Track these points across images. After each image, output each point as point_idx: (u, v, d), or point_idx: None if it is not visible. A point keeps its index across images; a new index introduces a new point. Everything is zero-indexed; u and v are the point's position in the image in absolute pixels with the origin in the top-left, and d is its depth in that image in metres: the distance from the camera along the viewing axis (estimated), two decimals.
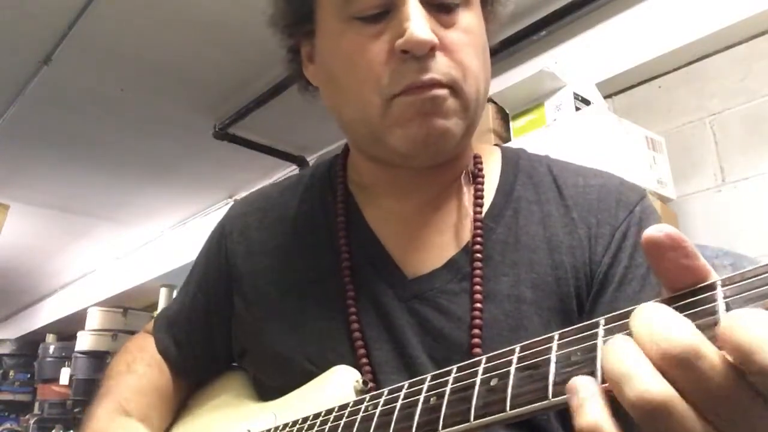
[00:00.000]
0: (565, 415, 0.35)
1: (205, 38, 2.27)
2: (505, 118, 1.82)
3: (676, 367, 0.28)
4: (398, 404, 0.43)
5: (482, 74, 0.62)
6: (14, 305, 6.86)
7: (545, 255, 0.62)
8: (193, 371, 0.79)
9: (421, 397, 0.41)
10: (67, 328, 5.82)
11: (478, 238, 0.62)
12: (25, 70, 2.45)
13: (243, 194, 3.10)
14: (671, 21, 1.79)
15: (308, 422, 0.54)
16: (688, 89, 1.82)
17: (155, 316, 0.86)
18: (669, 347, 0.28)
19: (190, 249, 3.76)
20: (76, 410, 4.95)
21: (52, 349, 5.56)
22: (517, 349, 0.37)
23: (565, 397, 0.32)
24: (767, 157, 1.63)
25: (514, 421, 0.35)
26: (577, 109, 1.65)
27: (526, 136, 1.70)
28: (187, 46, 2.32)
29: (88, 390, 4.59)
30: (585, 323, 0.35)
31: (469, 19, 0.61)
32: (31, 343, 6.31)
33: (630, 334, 0.30)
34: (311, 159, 3.24)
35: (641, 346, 0.29)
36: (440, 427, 0.38)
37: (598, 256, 0.61)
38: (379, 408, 0.45)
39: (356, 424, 0.46)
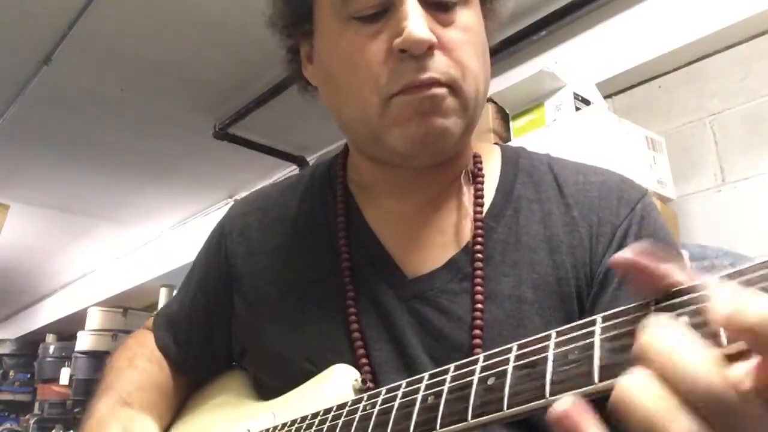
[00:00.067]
0: None
1: (205, 38, 2.27)
2: (505, 118, 1.82)
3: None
4: (396, 403, 0.43)
5: (481, 73, 0.62)
6: (14, 305, 6.86)
7: (546, 255, 0.62)
8: (193, 370, 0.79)
9: (419, 396, 0.41)
10: (67, 328, 5.82)
11: (479, 238, 0.62)
12: (25, 70, 2.45)
13: (243, 194, 3.10)
14: (671, 21, 1.79)
15: (307, 421, 0.54)
16: (688, 89, 1.82)
17: (155, 313, 0.86)
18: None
19: (190, 249, 3.76)
20: (76, 410, 4.95)
21: (52, 349, 5.57)
22: (515, 348, 0.37)
23: (562, 395, 0.31)
24: (767, 157, 1.63)
25: (512, 420, 0.35)
26: (577, 109, 1.65)
27: (526, 136, 1.70)
28: (187, 46, 2.32)
29: (88, 390, 4.59)
30: (582, 321, 0.35)
31: (468, 17, 0.61)
32: (31, 343, 6.31)
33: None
34: (311, 159, 3.24)
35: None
36: (438, 426, 0.38)
37: (598, 256, 0.61)
38: (377, 407, 0.45)
39: (354, 423, 0.46)
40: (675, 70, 1.85)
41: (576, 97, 1.66)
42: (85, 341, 4.92)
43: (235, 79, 2.57)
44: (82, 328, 5.00)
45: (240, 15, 2.10)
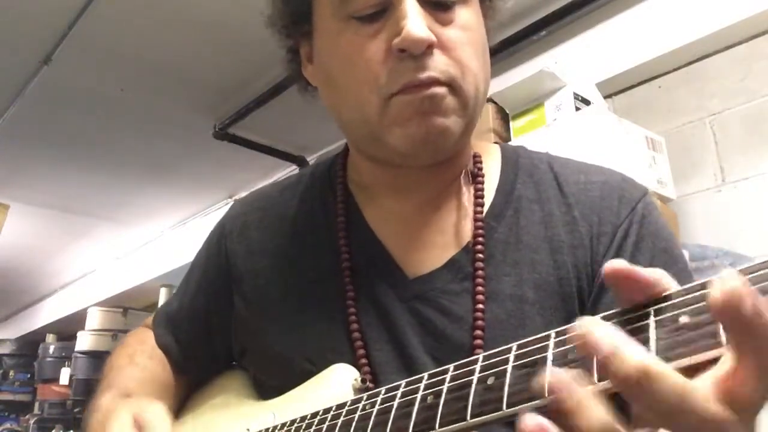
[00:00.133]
0: None
1: (205, 38, 2.27)
2: (505, 118, 1.82)
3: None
4: (395, 403, 0.43)
5: (481, 72, 0.62)
6: (14, 305, 6.86)
7: (547, 255, 0.61)
8: (194, 370, 0.79)
9: (418, 396, 0.41)
10: (67, 328, 5.82)
11: (480, 238, 0.62)
12: (25, 70, 2.45)
13: (243, 194, 3.09)
14: (671, 21, 1.79)
15: (306, 421, 0.54)
16: (688, 89, 1.82)
17: (154, 312, 0.85)
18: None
19: (190, 249, 3.75)
20: (76, 410, 4.96)
21: (52, 349, 5.57)
22: (514, 348, 0.37)
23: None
24: (767, 157, 1.63)
25: (511, 420, 0.35)
26: (577, 109, 1.65)
27: (526, 136, 1.70)
28: (187, 46, 2.32)
29: (88, 390, 4.59)
30: None
31: (467, 15, 0.61)
32: (31, 343, 6.31)
33: None
34: (311, 159, 3.24)
35: None
36: (437, 426, 0.38)
37: (599, 256, 0.61)
38: (377, 407, 0.45)
39: (354, 422, 0.46)
40: (675, 70, 1.85)
41: (576, 97, 1.66)
42: (85, 341, 4.92)
43: (235, 79, 2.57)
44: (82, 328, 5.00)
45: (240, 15, 2.10)
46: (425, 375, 0.43)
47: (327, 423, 0.50)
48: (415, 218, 0.67)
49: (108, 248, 4.88)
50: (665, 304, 0.31)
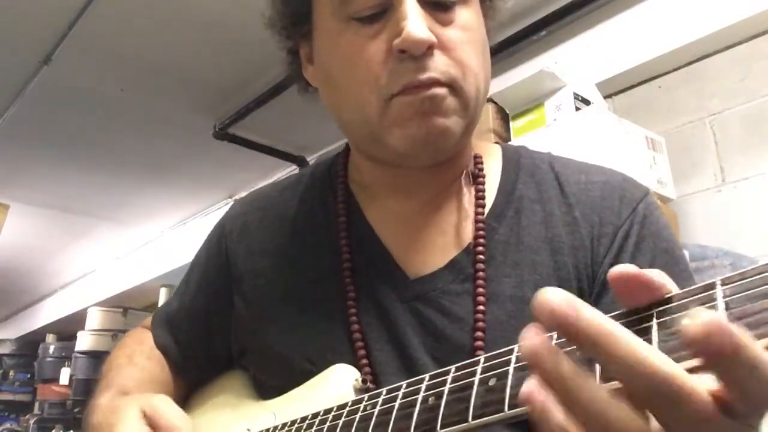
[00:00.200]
0: None
1: (205, 38, 2.27)
2: (505, 118, 1.82)
3: None
4: (397, 404, 0.43)
5: (482, 72, 0.62)
6: (14, 305, 6.86)
7: (548, 256, 0.61)
8: (193, 370, 0.79)
9: (420, 397, 0.41)
10: (67, 328, 5.82)
11: (481, 239, 0.62)
12: (25, 70, 2.45)
13: (243, 194, 3.08)
14: (671, 21, 1.79)
15: (307, 421, 0.54)
16: (688, 89, 1.81)
17: (154, 312, 0.85)
18: None
19: (190, 249, 3.74)
20: (76, 410, 4.95)
21: (52, 349, 5.56)
22: (516, 349, 0.37)
23: None
24: (767, 157, 1.63)
25: (513, 421, 0.35)
26: (577, 109, 1.65)
27: (526, 136, 1.69)
28: (187, 46, 2.32)
29: (88, 390, 4.58)
30: None
31: (468, 16, 0.61)
32: (31, 343, 6.31)
33: None
34: (311, 159, 3.24)
35: None
36: (438, 427, 0.38)
37: (600, 257, 0.61)
38: (378, 408, 0.45)
39: (355, 423, 0.46)
40: (675, 70, 1.85)
41: (576, 97, 1.66)
42: (85, 341, 4.92)
43: (235, 79, 2.56)
44: (82, 328, 5.00)
45: (240, 15, 2.10)
46: (426, 376, 0.43)
47: (328, 423, 0.50)
48: (415, 218, 0.67)
49: (108, 248, 4.88)
50: (668, 306, 0.31)
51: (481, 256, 0.61)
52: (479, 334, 0.58)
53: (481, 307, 0.59)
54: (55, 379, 5.34)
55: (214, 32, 2.23)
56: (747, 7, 1.63)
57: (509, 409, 0.34)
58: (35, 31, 2.21)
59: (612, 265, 0.59)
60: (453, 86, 0.58)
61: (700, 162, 1.75)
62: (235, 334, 0.73)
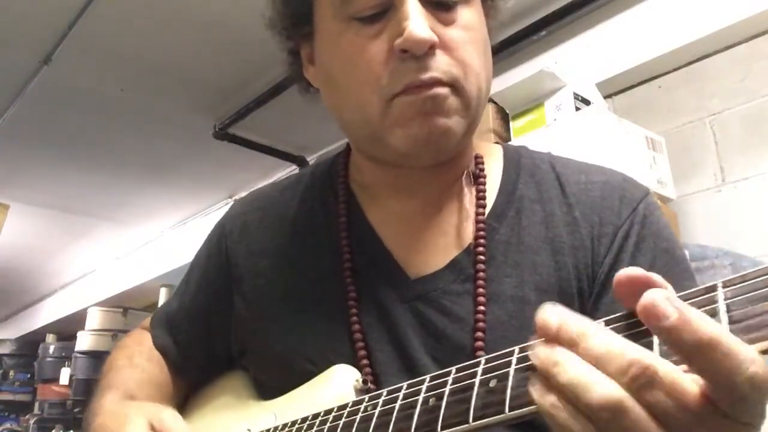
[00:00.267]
0: None
1: (205, 38, 2.27)
2: (505, 118, 1.82)
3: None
4: (397, 405, 0.43)
5: (483, 72, 0.62)
6: (14, 305, 6.86)
7: (548, 256, 0.61)
8: (193, 371, 0.79)
9: (420, 398, 0.41)
10: (67, 328, 5.82)
11: (481, 239, 0.62)
12: (25, 70, 2.45)
13: (243, 194, 3.08)
14: (671, 21, 1.79)
15: (308, 422, 0.54)
16: (688, 89, 1.81)
17: (154, 312, 0.85)
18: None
19: (190, 249, 3.74)
20: (76, 410, 4.95)
21: (52, 349, 5.57)
22: (516, 350, 0.37)
23: None
24: (767, 157, 1.63)
25: (514, 422, 0.35)
26: (577, 109, 1.65)
27: (526, 136, 1.69)
28: (187, 46, 2.32)
29: (88, 390, 4.58)
30: None
31: (469, 15, 0.61)
32: (31, 343, 6.31)
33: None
34: (311, 159, 3.24)
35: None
36: (439, 428, 0.38)
37: (600, 257, 0.61)
38: (378, 408, 0.45)
39: (355, 424, 0.46)
40: (675, 70, 1.85)
41: (576, 97, 1.66)
42: (85, 341, 4.92)
43: (235, 79, 2.56)
44: (82, 328, 5.00)
45: (240, 15, 2.10)
46: (427, 377, 0.43)
47: (328, 424, 0.50)
48: (416, 219, 0.67)
49: (108, 248, 4.88)
50: None
51: (482, 257, 0.61)
52: (480, 334, 0.58)
53: (482, 308, 0.59)
54: (55, 379, 5.34)
55: (214, 32, 2.23)
56: (747, 7, 1.63)
57: (510, 410, 0.34)
58: (35, 31, 2.21)
59: (612, 265, 0.60)
60: (455, 86, 0.58)
61: (700, 162, 1.75)
62: (235, 334, 0.73)
